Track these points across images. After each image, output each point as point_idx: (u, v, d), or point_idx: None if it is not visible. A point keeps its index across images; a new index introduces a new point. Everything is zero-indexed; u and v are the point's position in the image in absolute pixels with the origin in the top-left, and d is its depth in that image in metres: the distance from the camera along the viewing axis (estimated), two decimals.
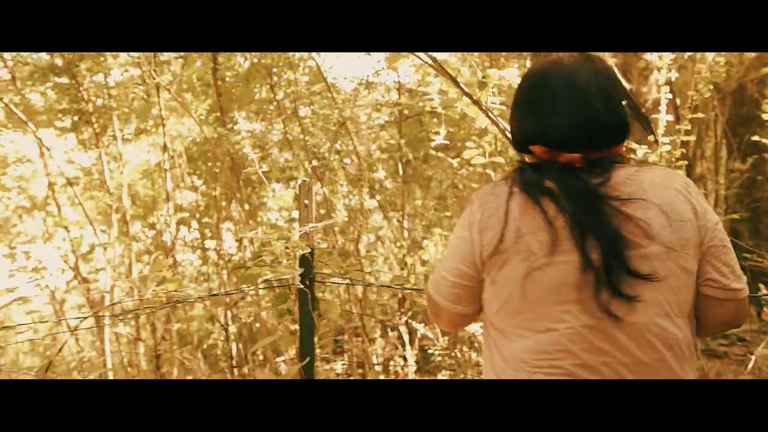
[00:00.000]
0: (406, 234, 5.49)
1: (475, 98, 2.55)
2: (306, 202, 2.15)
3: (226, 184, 5.77)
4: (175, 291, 2.12)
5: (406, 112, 5.90)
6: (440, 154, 5.51)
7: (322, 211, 5.33)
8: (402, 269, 5.11)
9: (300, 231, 2.10)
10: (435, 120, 5.06)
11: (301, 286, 2.14)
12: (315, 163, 5.30)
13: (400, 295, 4.96)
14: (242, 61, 5.50)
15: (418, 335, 4.41)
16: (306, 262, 2.12)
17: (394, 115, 5.90)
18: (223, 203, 6.21)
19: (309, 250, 2.12)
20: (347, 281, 2.43)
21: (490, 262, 1.19)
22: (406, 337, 4.41)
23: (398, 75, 5.77)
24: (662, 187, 1.16)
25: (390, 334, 4.94)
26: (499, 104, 2.50)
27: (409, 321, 4.52)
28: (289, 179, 5.82)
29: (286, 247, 2.18)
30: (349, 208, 5.53)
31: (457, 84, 2.39)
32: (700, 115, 2.72)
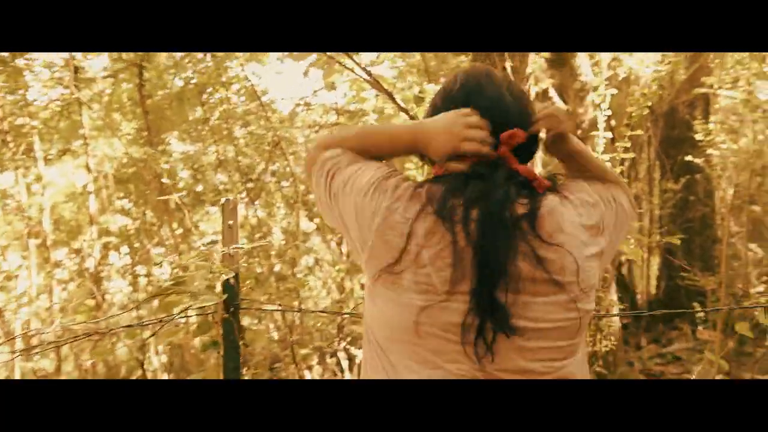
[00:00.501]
0: (344, 257, 5.35)
1: (411, 114, 2.46)
2: (230, 222, 1.99)
3: (156, 207, 5.52)
4: (85, 322, 1.93)
5: None
6: None
7: (258, 235, 5.14)
8: (341, 293, 4.96)
9: (221, 251, 1.94)
10: None
11: (226, 315, 1.97)
12: (249, 184, 5.12)
13: (339, 320, 4.81)
14: (173, 79, 5.30)
15: (357, 361, 4.27)
16: (230, 288, 1.95)
17: None
18: (155, 227, 5.95)
19: (233, 274, 1.95)
20: (277, 307, 2.27)
21: (378, 277, 1.07)
22: (345, 364, 4.26)
23: (335, 96, 5.68)
24: (583, 226, 1.09)
25: (328, 360, 4.77)
26: None
27: (348, 347, 4.38)
28: None
29: (212, 272, 2.01)
30: (286, 230, 5.37)
31: (392, 99, 2.29)
32: (639, 132, 2.70)
